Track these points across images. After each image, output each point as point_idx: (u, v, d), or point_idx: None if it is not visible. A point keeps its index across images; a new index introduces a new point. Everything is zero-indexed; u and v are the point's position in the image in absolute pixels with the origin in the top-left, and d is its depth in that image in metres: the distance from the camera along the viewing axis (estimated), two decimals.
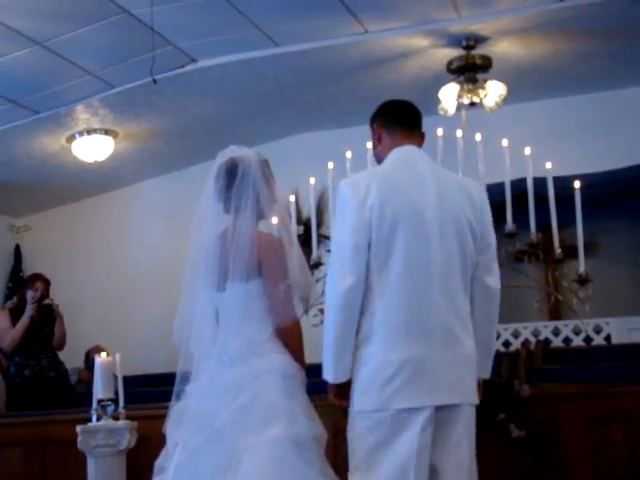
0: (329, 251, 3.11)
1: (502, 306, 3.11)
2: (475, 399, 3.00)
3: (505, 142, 4.62)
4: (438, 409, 2.87)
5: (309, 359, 3.18)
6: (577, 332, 7.69)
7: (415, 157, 3.11)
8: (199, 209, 3.27)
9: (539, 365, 5.65)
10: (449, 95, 6.45)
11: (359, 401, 2.91)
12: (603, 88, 7.38)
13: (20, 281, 8.56)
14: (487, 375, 3.15)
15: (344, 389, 2.96)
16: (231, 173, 3.21)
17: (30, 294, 6.44)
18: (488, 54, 6.43)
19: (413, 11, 5.88)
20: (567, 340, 7.78)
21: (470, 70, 6.42)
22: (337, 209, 3.06)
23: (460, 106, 6.46)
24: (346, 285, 2.88)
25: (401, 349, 2.86)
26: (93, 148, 7.47)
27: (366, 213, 2.91)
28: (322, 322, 3.09)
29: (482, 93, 6.43)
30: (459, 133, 4.64)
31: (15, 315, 6.46)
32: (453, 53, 6.43)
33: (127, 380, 4.81)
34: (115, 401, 4.62)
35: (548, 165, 4.54)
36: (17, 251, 9.06)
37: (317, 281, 3.81)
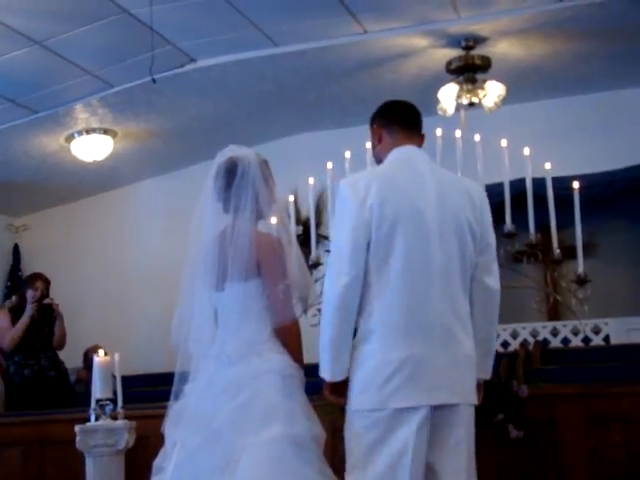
0: (328, 251, 3.12)
1: (501, 306, 3.11)
2: (474, 399, 3.00)
3: (504, 142, 4.62)
4: (436, 409, 2.87)
5: (307, 359, 3.18)
6: (576, 332, 7.70)
7: (415, 157, 3.11)
8: (198, 209, 3.27)
9: (538, 365, 5.65)
10: (448, 95, 6.45)
11: (357, 400, 2.91)
12: (602, 88, 7.39)
13: (19, 281, 8.55)
14: (488, 375, 3.15)
15: (341, 387, 2.96)
16: (230, 173, 3.21)
17: (30, 293, 6.44)
18: (487, 54, 6.44)
19: (412, 11, 5.88)
20: (566, 340, 7.79)
21: (469, 70, 6.42)
22: (337, 208, 3.06)
23: (459, 106, 6.46)
24: (343, 284, 2.88)
25: (400, 349, 2.86)
26: (92, 148, 7.47)
27: (366, 213, 2.91)
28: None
29: (481, 93, 6.43)
30: (458, 133, 4.64)
31: (15, 314, 6.46)
32: (452, 53, 6.43)
33: (126, 380, 4.82)
34: (114, 401, 4.62)
35: (547, 165, 4.54)
36: (16, 251, 9.06)
37: (316, 281, 3.81)
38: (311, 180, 4.94)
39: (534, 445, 4.20)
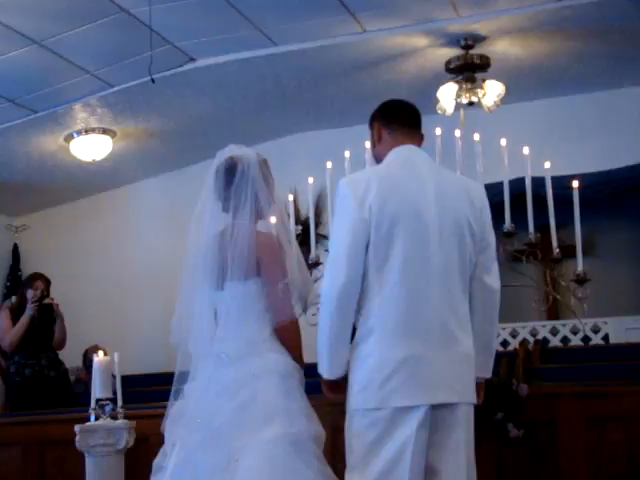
0: (327, 250, 3.11)
1: (500, 306, 3.12)
2: (473, 398, 3.00)
3: (503, 142, 4.61)
4: (436, 408, 2.87)
5: (307, 358, 3.18)
6: (575, 332, 7.72)
7: (415, 157, 3.11)
8: (198, 208, 3.27)
9: (537, 365, 5.65)
10: (447, 94, 6.45)
11: (357, 399, 2.91)
12: (601, 87, 7.39)
13: (18, 281, 8.55)
14: (489, 375, 3.15)
15: (339, 384, 2.97)
16: (230, 172, 3.21)
17: (30, 293, 6.44)
18: (486, 54, 6.43)
19: (411, 10, 5.88)
20: (565, 340, 7.81)
21: (468, 69, 6.42)
22: (336, 207, 3.06)
23: (458, 106, 6.46)
24: (341, 284, 2.89)
25: (399, 348, 2.86)
26: (91, 147, 7.46)
27: (365, 213, 2.91)
28: None
29: (480, 92, 6.43)
30: (457, 133, 4.64)
31: (15, 314, 6.46)
32: (451, 53, 6.43)
33: (125, 380, 4.81)
34: (113, 401, 4.62)
35: (546, 165, 4.54)
36: (15, 250, 9.05)
37: (315, 280, 3.81)
38: (310, 179, 4.94)
39: (533, 444, 4.20)
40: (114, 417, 4.59)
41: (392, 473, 2.82)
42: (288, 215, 4.33)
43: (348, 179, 3.11)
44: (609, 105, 7.46)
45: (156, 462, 3.16)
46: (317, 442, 3.04)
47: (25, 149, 7.56)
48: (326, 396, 3.04)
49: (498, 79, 6.44)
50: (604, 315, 7.67)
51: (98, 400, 4.58)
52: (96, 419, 4.58)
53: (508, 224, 4.46)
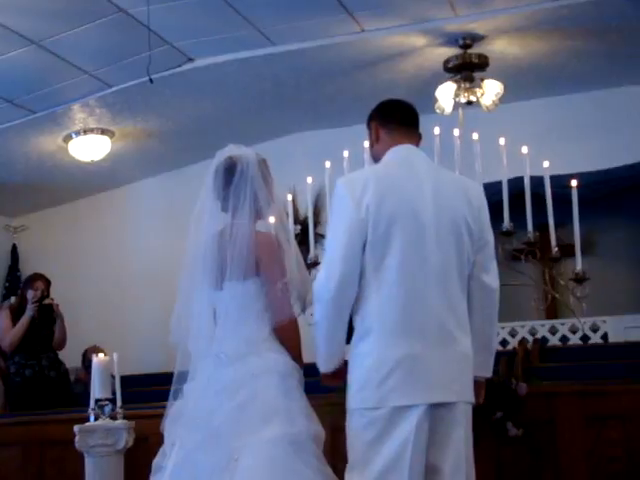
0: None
1: (499, 305, 3.12)
2: (471, 397, 3.00)
3: (502, 141, 4.62)
4: (434, 407, 2.87)
5: (307, 357, 3.18)
6: (574, 331, 7.72)
7: (412, 156, 3.11)
8: (197, 208, 3.27)
9: (536, 364, 5.65)
10: (446, 94, 6.45)
11: (356, 398, 2.92)
12: (600, 86, 7.39)
13: (17, 281, 8.55)
14: (489, 374, 3.16)
15: (335, 373, 3.02)
16: (229, 172, 3.21)
17: (31, 294, 6.44)
18: (485, 53, 6.44)
19: (410, 10, 5.88)
20: (564, 339, 7.81)
21: (467, 69, 6.42)
22: (333, 207, 3.07)
23: (457, 105, 6.47)
24: (335, 284, 2.90)
25: (397, 347, 2.87)
26: (90, 148, 7.46)
27: (362, 212, 2.91)
28: None
29: (479, 92, 6.43)
30: (456, 132, 4.64)
31: (16, 315, 6.46)
32: (450, 52, 6.43)
33: (125, 380, 4.81)
34: (112, 401, 4.62)
35: (545, 164, 4.54)
36: (14, 251, 9.04)
37: (314, 280, 3.80)
38: (309, 179, 4.95)
39: (533, 443, 4.20)
40: (113, 417, 4.59)
41: (392, 473, 2.82)
42: (287, 215, 4.33)
43: (345, 179, 3.11)
44: (607, 104, 7.46)
45: (155, 462, 3.16)
46: (317, 442, 3.04)
47: (24, 149, 7.56)
48: (323, 382, 3.08)
49: (496, 78, 6.44)
50: (603, 314, 7.67)
51: (97, 400, 4.58)
52: (95, 419, 4.58)
53: (507, 223, 4.47)
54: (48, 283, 6.63)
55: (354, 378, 2.93)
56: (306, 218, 5.31)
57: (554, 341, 7.78)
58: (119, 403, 4.63)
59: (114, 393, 4.66)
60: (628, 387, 4.31)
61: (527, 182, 4.52)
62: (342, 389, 3.01)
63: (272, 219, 3.26)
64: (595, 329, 7.75)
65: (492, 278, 3.07)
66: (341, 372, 3.01)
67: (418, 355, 2.87)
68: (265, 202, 3.22)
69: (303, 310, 3.26)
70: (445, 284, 2.94)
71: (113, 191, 8.91)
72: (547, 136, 7.24)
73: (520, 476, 4.24)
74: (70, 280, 8.37)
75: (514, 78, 6.78)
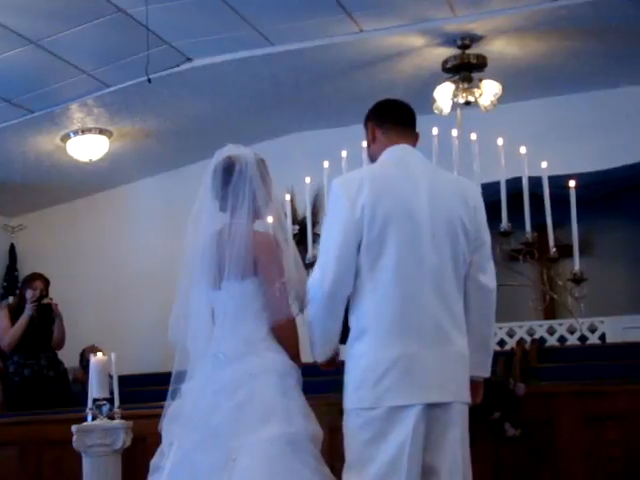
0: None
1: (497, 305, 3.12)
2: (467, 397, 3.00)
3: (500, 141, 4.62)
4: (430, 407, 2.87)
5: (304, 357, 3.18)
6: (572, 331, 7.72)
7: (408, 156, 3.11)
8: (195, 208, 3.27)
9: (534, 364, 5.66)
10: (444, 94, 6.45)
11: (352, 399, 2.92)
12: (598, 87, 7.39)
13: (15, 281, 8.55)
14: (487, 374, 3.16)
15: (331, 358, 3.07)
16: (228, 172, 3.21)
17: (30, 293, 6.43)
18: (483, 53, 6.44)
19: (408, 10, 5.89)
20: (562, 339, 7.82)
21: (465, 69, 6.42)
22: (328, 207, 3.07)
23: (455, 105, 6.47)
24: (330, 283, 2.91)
25: (393, 347, 2.87)
26: (88, 147, 7.46)
27: (357, 213, 2.92)
28: None
29: (477, 92, 6.44)
30: (454, 132, 4.64)
31: (14, 314, 6.45)
32: (448, 52, 6.44)
33: (122, 379, 4.80)
34: (110, 400, 4.61)
35: (543, 164, 4.55)
36: (12, 251, 9.04)
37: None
38: (308, 179, 4.95)
39: (531, 443, 4.20)
40: (111, 417, 4.59)
41: (390, 472, 2.82)
42: (285, 214, 4.33)
43: (341, 179, 3.11)
44: (606, 104, 7.47)
45: (153, 462, 3.15)
46: (315, 441, 3.03)
47: (22, 149, 7.55)
48: (322, 368, 3.12)
49: (495, 79, 6.45)
50: (601, 314, 7.68)
51: (95, 400, 4.57)
52: (93, 419, 4.57)
53: (505, 223, 4.47)
54: (47, 283, 6.63)
55: (350, 378, 2.93)
56: (304, 218, 5.31)
57: (552, 341, 7.79)
58: (117, 403, 4.62)
59: (112, 393, 4.65)
60: (626, 387, 4.32)
61: (525, 182, 4.52)
62: (340, 389, 3.02)
63: (270, 219, 3.26)
64: (593, 329, 7.76)
65: (489, 278, 3.07)
66: (335, 359, 3.07)
67: (414, 355, 2.87)
68: (263, 202, 3.21)
69: (301, 310, 3.25)
70: (441, 284, 2.94)
71: (111, 191, 8.90)
72: (546, 136, 7.24)
73: (518, 477, 4.24)
74: (68, 280, 8.36)
75: (513, 78, 6.78)
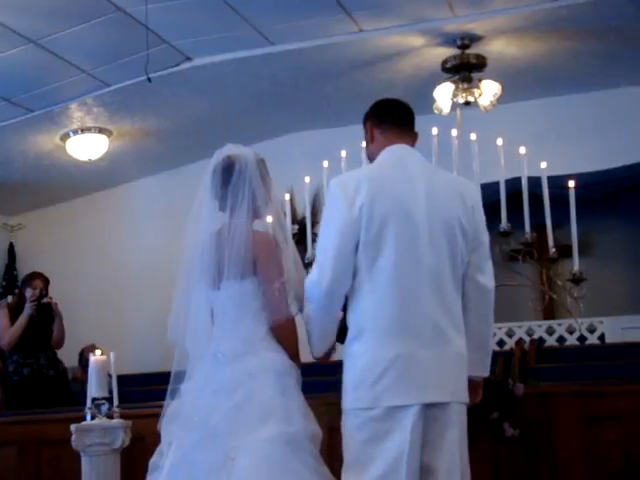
0: None
1: (496, 305, 3.12)
2: (465, 397, 3.00)
3: (500, 141, 4.62)
4: (428, 407, 2.87)
5: (304, 357, 3.19)
6: (571, 331, 7.72)
7: (406, 156, 3.11)
8: (195, 207, 3.27)
9: (533, 364, 5.66)
10: (444, 94, 6.45)
11: (350, 399, 2.92)
12: (597, 87, 7.40)
13: (14, 280, 8.55)
14: (486, 374, 3.16)
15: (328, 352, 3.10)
16: (227, 171, 3.21)
17: (29, 292, 6.43)
18: (483, 53, 6.44)
19: (408, 10, 5.89)
20: (561, 339, 7.82)
21: (465, 69, 6.43)
22: (326, 206, 3.07)
23: (455, 105, 6.47)
24: (326, 283, 2.91)
25: (390, 347, 2.87)
26: (87, 147, 7.46)
27: (355, 212, 2.92)
28: None
29: (477, 92, 6.44)
30: (454, 132, 4.65)
31: (14, 313, 6.46)
32: (448, 52, 6.44)
33: (121, 379, 4.80)
34: (109, 400, 4.61)
35: (543, 164, 4.54)
36: (11, 250, 9.04)
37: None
38: (307, 179, 4.95)
39: (529, 443, 4.20)
40: (110, 416, 4.58)
41: (389, 472, 2.82)
42: (284, 214, 4.33)
43: (338, 179, 3.11)
44: (606, 105, 7.47)
45: (152, 461, 3.15)
46: (314, 441, 3.04)
47: (21, 148, 7.55)
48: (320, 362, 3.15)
49: (494, 79, 6.45)
50: (600, 315, 7.68)
51: (94, 399, 4.57)
52: (92, 418, 4.57)
53: (504, 224, 4.47)
54: (47, 282, 6.63)
55: (348, 378, 2.93)
56: (304, 218, 5.31)
57: (551, 342, 7.78)
58: (116, 402, 4.62)
59: (111, 392, 4.65)
60: (625, 388, 4.32)
61: (525, 183, 4.52)
62: (338, 389, 3.02)
63: (270, 218, 3.25)
64: (592, 330, 7.76)
65: (487, 278, 3.07)
66: (331, 353, 3.10)
67: (412, 355, 2.87)
68: (263, 202, 3.21)
69: (300, 309, 3.25)
70: (439, 284, 2.94)
71: (111, 190, 8.90)
72: (545, 137, 7.25)
73: (517, 477, 4.24)
74: (67, 279, 8.36)
75: (512, 79, 6.79)
